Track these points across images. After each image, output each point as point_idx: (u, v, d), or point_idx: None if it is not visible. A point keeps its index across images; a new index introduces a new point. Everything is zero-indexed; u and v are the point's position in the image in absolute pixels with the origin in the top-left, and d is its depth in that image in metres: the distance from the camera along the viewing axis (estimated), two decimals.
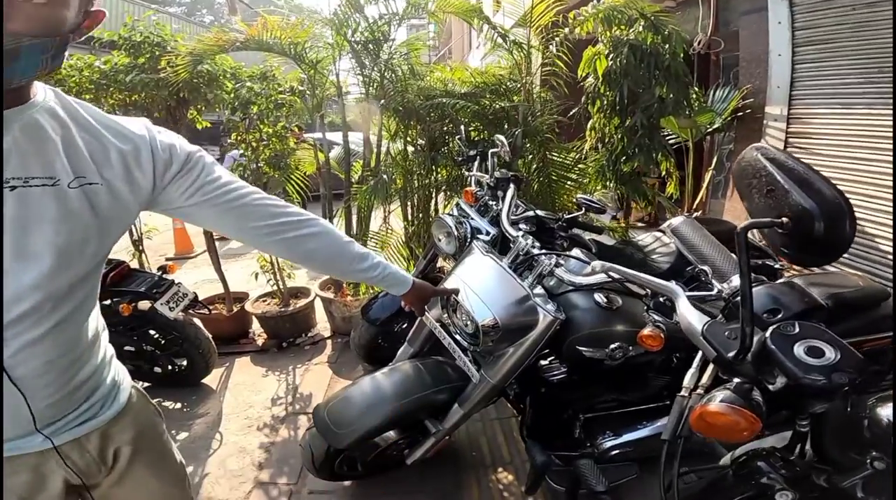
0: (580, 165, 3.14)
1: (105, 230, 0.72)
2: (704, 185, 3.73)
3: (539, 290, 1.38)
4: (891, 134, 2.43)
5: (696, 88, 3.47)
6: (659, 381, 1.51)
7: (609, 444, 1.45)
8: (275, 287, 2.95)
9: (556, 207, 3.00)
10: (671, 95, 2.90)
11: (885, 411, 0.59)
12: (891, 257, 2.47)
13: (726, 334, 0.63)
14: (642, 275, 0.95)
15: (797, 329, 0.60)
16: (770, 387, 0.58)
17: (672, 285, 0.86)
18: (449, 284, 1.44)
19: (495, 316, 1.29)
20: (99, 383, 0.82)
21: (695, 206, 3.52)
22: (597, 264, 0.99)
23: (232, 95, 2.64)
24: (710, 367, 0.69)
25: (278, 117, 2.70)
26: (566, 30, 2.90)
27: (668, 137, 3.77)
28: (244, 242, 1.02)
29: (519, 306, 1.32)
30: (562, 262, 1.40)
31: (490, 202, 2.07)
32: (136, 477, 0.89)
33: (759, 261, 2.29)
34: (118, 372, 0.89)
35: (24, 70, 0.59)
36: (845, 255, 0.71)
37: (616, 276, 1.13)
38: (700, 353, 0.72)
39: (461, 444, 2.02)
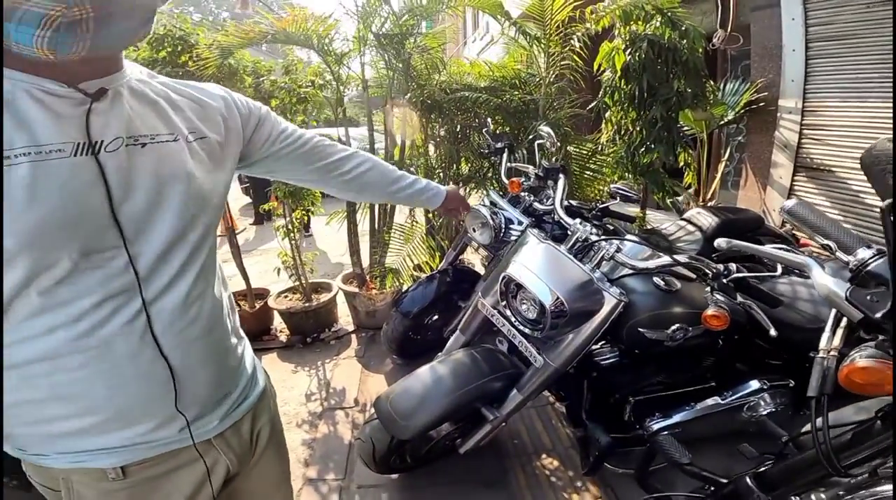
0: (598, 157, 3.22)
1: (219, 182, 0.77)
2: (718, 175, 3.86)
3: (598, 274, 1.45)
4: None
5: (712, 82, 3.58)
6: (706, 363, 1.60)
7: (659, 426, 1.52)
8: (296, 282, 2.98)
9: (578, 198, 3.08)
10: (689, 89, 2.98)
11: None
12: None
13: (868, 297, 0.72)
14: (772, 250, 1.05)
15: None
16: None
17: (805, 258, 0.95)
18: (510, 270, 1.50)
19: (563, 298, 1.35)
20: (242, 364, 0.85)
21: (709, 196, 3.64)
22: (721, 241, 1.09)
23: (252, 89, 2.66)
24: (841, 330, 0.78)
25: (298, 111, 2.74)
26: (586, 25, 2.97)
27: (683, 129, 3.89)
28: (310, 184, 1.12)
29: (584, 290, 1.39)
30: (621, 247, 1.47)
31: (524, 194, 2.13)
32: (265, 461, 0.92)
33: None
34: (252, 354, 0.92)
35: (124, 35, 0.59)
36: None
37: (667, 262, 1.21)
38: (833, 316, 0.81)
39: (503, 436, 2.07)
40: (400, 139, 2.90)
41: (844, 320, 0.80)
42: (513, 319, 1.53)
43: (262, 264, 3.20)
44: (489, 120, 2.66)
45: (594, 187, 3.14)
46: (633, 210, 3.08)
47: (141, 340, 0.65)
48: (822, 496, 0.83)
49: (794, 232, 3.02)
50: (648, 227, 3.03)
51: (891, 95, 2.76)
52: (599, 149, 3.33)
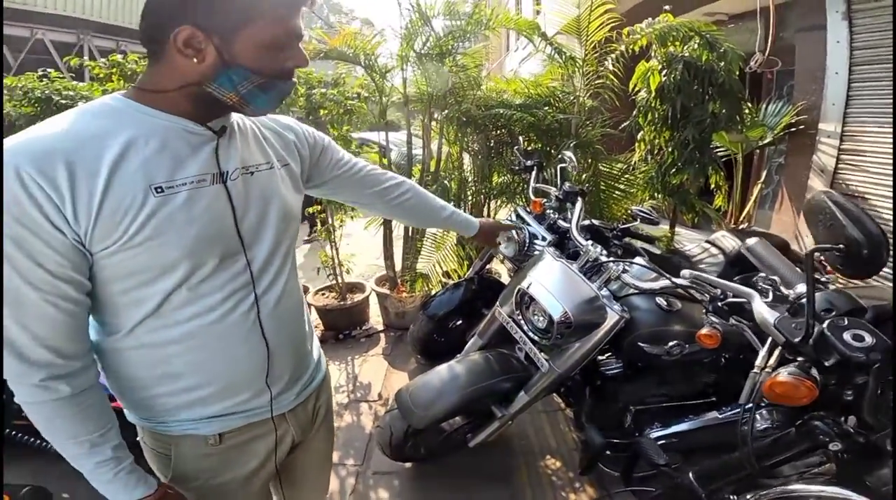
0: (628, 176, 3.32)
1: (298, 200, 0.96)
2: (753, 198, 3.88)
3: (605, 292, 1.61)
4: None
5: (749, 104, 3.62)
6: (706, 378, 1.72)
7: (656, 434, 1.65)
8: (333, 282, 3.24)
9: (605, 217, 3.20)
10: (724, 111, 3.05)
11: None
12: None
13: (793, 325, 0.89)
14: (723, 281, 1.22)
15: (846, 322, 0.85)
16: (826, 363, 0.83)
17: (748, 289, 1.11)
18: (525, 284, 1.68)
19: (569, 312, 1.52)
20: (313, 350, 1.05)
21: (741, 218, 3.68)
22: (686, 272, 1.25)
23: (304, 100, 2.94)
24: (777, 351, 0.94)
25: (344, 121, 3.01)
26: (622, 46, 3.10)
27: (717, 151, 3.94)
28: (363, 207, 1.32)
29: (589, 305, 1.55)
30: (628, 268, 1.62)
31: (548, 211, 2.30)
32: (318, 438, 1.12)
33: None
34: (317, 341, 1.13)
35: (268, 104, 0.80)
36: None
37: (699, 283, 1.36)
38: (769, 340, 0.98)
39: (511, 435, 2.23)
40: (436, 152, 3.12)
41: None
42: (525, 327, 1.71)
43: (309, 263, 3.48)
44: (521, 138, 2.83)
45: (621, 206, 3.25)
46: (656, 230, 3.18)
47: (253, 325, 0.83)
48: (748, 496, 0.98)
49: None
50: (674, 246, 3.12)
51: None
52: (630, 168, 3.45)
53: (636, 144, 3.45)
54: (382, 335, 3.22)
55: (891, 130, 2.92)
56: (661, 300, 1.59)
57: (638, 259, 1.74)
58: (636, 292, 1.60)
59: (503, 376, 1.75)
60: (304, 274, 3.39)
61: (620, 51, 3.15)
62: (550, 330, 1.57)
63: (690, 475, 1.21)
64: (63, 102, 2.94)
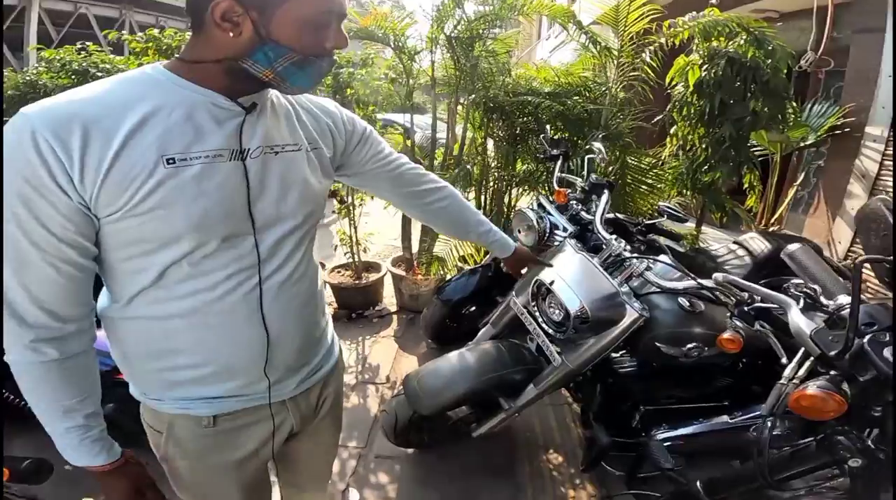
0: (656, 171, 3.21)
1: (326, 186, 0.92)
2: (787, 200, 3.72)
3: (625, 288, 1.54)
4: None
5: (793, 103, 3.45)
6: (720, 382, 1.65)
7: (663, 436, 1.59)
8: (350, 260, 3.23)
9: (630, 211, 3.11)
10: (766, 110, 2.90)
11: None
12: None
13: (830, 338, 0.82)
14: (758, 287, 1.14)
15: (887, 338, 0.78)
16: (861, 378, 0.76)
17: (785, 297, 1.04)
18: (543, 274, 1.62)
19: (587, 307, 1.46)
20: (324, 338, 1.01)
21: (773, 219, 3.53)
22: (718, 275, 1.18)
23: (332, 78, 2.90)
24: (808, 363, 0.87)
25: (370, 101, 2.97)
26: (661, 39, 2.97)
27: (754, 150, 3.77)
28: (394, 204, 1.25)
29: (608, 301, 1.49)
30: (652, 266, 1.55)
31: (571, 202, 2.22)
32: (323, 427, 1.08)
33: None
34: (332, 329, 1.08)
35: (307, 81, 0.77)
36: None
37: (728, 286, 1.29)
38: (801, 351, 0.91)
39: (516, 427, 2.19)
40: (460, 136, 3.06)
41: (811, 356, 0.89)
42: (539, 319, 1.66)
43: (328, 239, 3.47)
44: (548, 126, 2.75)
45: (647, 201, 3.15)
46: (684, 227, 3.07)
47: (254, 309, 0.80)
48: None
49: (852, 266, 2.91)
50: (699, 245, 3.00)
51: None
52: (660, 163, 3.33)
53: (668, 139, 3.33)
54: (395, 317, 3.20)
55: None
56: (683, 301, 1.52)
57: (663, 257, 1.67)
58: (658, 290, 1.53)
59: (514, 368, 1.70)
60: (321, 251, 3.38)
61: (660, 43, 3.02)
62: (566, 324, 1.52)
63: (698, 483, 1.16)
64: (99, 74, 2.97)
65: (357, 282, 3.15)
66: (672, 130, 3.26)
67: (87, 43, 3.24)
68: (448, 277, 2.89)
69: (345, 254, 3.22)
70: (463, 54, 2.83)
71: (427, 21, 2.78)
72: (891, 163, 2.96)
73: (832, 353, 0.82)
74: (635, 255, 1.57)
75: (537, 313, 1.66)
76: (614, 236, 1.65)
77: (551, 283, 1.57)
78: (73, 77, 2.99)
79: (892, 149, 2.75)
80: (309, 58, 0.72)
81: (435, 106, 3.08)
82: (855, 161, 3.09)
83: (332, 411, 1.09)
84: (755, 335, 1.35)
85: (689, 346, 1.45)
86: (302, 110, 0.89)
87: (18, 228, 0.65)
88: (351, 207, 3.08)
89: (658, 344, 1.48)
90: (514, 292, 1.84)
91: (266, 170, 0.79)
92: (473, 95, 2.85)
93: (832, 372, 0.81)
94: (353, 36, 2.86)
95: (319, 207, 0.91)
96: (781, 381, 0.93)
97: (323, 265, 3.33)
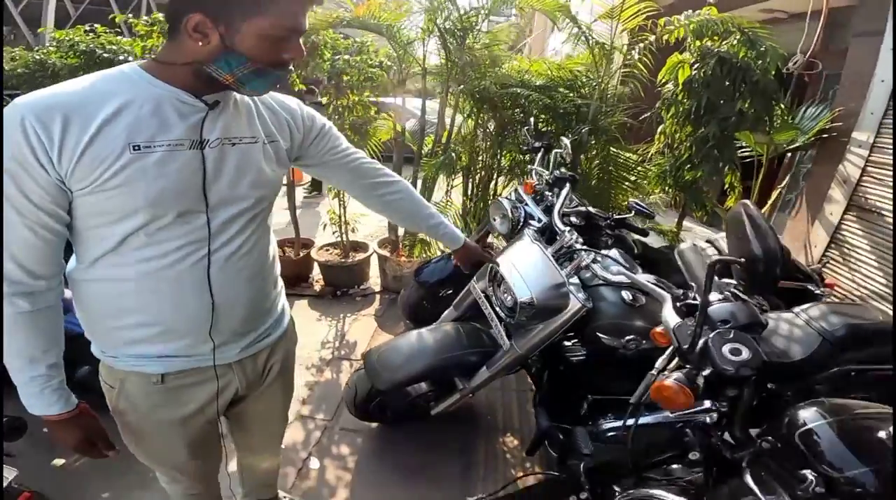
0: (640, 168, 3.25)
1: (281, 173, 1.02)
2: (770, 201, 3.73)
3: (575, 280, 1.61)
4: None
5: (783, 105, 3.44)
6: None
7: (608, 425, 1.67)
8: (339, 239, 3.32)
9: (611, 205, 3.16)
10: (752, 110, 2.91)
11: (804, 413, 0.83)
12: None
13: (688, 333, 0.89)
14: (641, 279, 1.22)
15: (731, 335, 0.85)
16: (703, 373, 0.84)
17: (663, 292, 1.12)
18: (498, 262, 1.70)
19: (533, 295, 1.54)
20: (275, 308, 1.11)
21: None
22: (615, 268, 1.24)
23: (329, 65, 2.96)
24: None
25: (365, 87, 3.03)
26: (652, 36, 2.98)
27: (742, 150, 3.78)
28: (351, 195, 1.34)
29: (555, 291, 1.57)
30: (599, 259, 1.63)
31: (546, 193, 2.29)
32: (272, 392, 1.20)
33: (802, 284, 2.42)
34: (285, 301, 1.19)
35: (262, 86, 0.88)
36: None
37: (623, 280, 1.37)
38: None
39: (481, 409, 2.28)
40: (449, 124, 3.11)
41: None
42: (495, 304, 1.75)
43: (319, 218, 3.55)
44: (531, 118, 2.79)
45: (625, 197, 3.20)
46: (664, 224, 3.12)
47: (201, 277, 0.90)
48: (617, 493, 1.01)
49: (821, 270, 2.94)
50: (687, 242, 3.01)
51: None
52: (646, 160, 3.36)
53: (656, 137, 3.35)
54: (378, 296, 3.30)
55: None
56: (627, 294, 1.59)
57: (612, 251, 1.74)
58: (605, 283, 1.60)
59: (470, 350, 1.79)
60: (310, 230, 3.47)
61: (650, 41, 3.03)
62: (515, 309, 1.60)
63: (581, 466, 1.24)
64: (105, 55, 3.04)
65: (343, 261, 3.25)
66: (660, 128, 3.28)
67: (96, 25, 3.31)
68: (431, 259, 2.97)
69: (333, 233, 3.31)
70: (455, 46, 2.87)
71: (420, 13, 2.82)
72: (873, 169, 2.96)
73: (685, 347, 0.90)
74: (584, 247, 1.64)
75: (493, 299, 1.75)
76: (568, 229, 1.72)
77: (504, 270, 1.65)
78: (80, 57, 3.07)
79: (892, 149, 2.74)
80: (266, 67, 0.82)
81: (425, 95, 3.13)
82: (839, 166, 3.09)
83: (279, 377, 1.20)
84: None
85: (628, 338, 1.52)
86: (263, 107, 0.98)
87: (6, 197, 0.77)
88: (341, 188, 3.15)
89: (599, 334, 1.56)
90: (475, 278, 1.93)
91: (223, 158, 0.89)
92: (462, 86, 2.90)
93: (688, 366, 0.88)
94: (345, 25, 2.92)
95: (272, 192, 1.02)
96: (652, 371, 1.01)
97: (312, 243, 3.45)
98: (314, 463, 1.93)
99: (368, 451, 2.02)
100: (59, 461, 1.79)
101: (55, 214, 0.80)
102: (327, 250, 3.40)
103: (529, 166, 2.38)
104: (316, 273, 3.44)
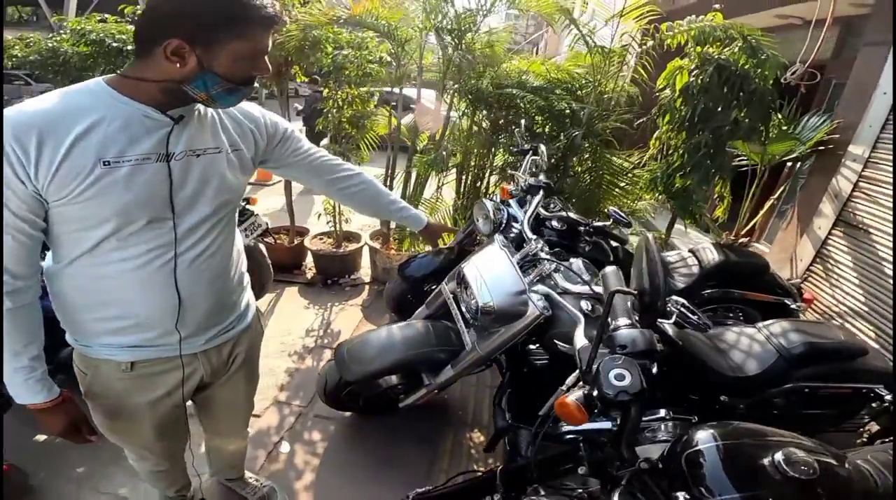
0: (630, 174, 3.24)
1: (244, 180, 1.11)
2: (762, 211, 3.72)
3: (541, 287, 1.65)
4: None
5: (780, 115, 3.39)
6: None
7: (564, 429, 1.73)
8: (332, 228, 3.39)
9: (599, 210, 3.17)
10: (747, 120, 2.88)
11: (701, 435, 0.88)
12: None
13: (589, 355, 0.95)
14: (559, 300, 1.36)
15: (621, 361, 0.89)
16: (594, 395, 0.89)
17: (577, 312, 1.18)
18: (465, 265, 1.75)
19: (494, 300, 1.59)
20: (238, 303, 1.21)
21: (744, 231, 3.52)
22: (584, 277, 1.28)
23: (329, 59, 2.99)
24: None
25: (363, 82, 3.07)
26: (650, 41, 2.95)
27: (739, 159, 3.74)
28: (319, 190, 1.46)
29: (515, 297, 1.61)
30: (561, 269, 1.67)
31: (530, 198, 2.32)
32: (235, 380, 1.29)
33: (781, 298, 2.44)
34: (250, 296, 1.29)
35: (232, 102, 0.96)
36: None
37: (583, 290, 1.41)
38: None
39: (454, 403, 2.34)
40: (442, 123, 3.14)
41: None
42: (462, 305, 1.80)
43: (315, 206, 3.61)
44: (523, 121, 2.80)
45: (614, 202, 3.21)
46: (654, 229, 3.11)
47: (168, 276, 0.99)
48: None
49: (801, 286, 2.94)
50: (674, 252, 3.00)
51: None
52: (639, 165, 3.35)
53: (651, 142, 3.34)
54: (367, 287, 3.36)
55: None
56: (585, 304, 1.63)
57: (576, 261, 1.78)
58: (566, 291, 1.65)
59: (438, 348, 1.84)
60: (303, 217, 3.53)
61: (649, 45, 3.00)
62: (478, 313, 1.66)
63: (497, 471, 1.30)
64: (115, 44, 3.11)
65: (335, 250, 3.31)
66: (655, 134, 3.27)
67: (106, 15, 3.38)
68: (418, 254, 3.02)
69: (327, 223, 3.38)
70: (452, 45, 2.88)
71: (418, 12, 2.83)
72: (865, 185, 2.93)
73: (584, 368, 0.95)
74: (548, 257, 1.68)
75: (461, 300, 1.80)
76: (535, 238, 1.76)
77: (470, 274, 1.70)
78: (90, 46, 3.14)
79: (892, 159, 2.70)
80: (237, 85, 0.91)
81: (419, 94, 3.15)
82: (832, 180, 3.06)
83: (243, 367, 1.29)
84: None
85: None
86: (227, 117, 1.06)
87: None
88: None
89: (556, 341, 1.61)
90: (446, 278, 1.98)
91: (188, 169, 0.96)
92: (456, 85, 2.92)
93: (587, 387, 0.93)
94: (342, 23, 2.94)
95: (235, 197, 1.10)
96: (562, 387, 1.07)
97: (307, 231, 3.51)
98: (285, 447, 2.01)
99: (339, 438, 2.09)
100: (41, 437, 1.89)
101: (30, 220, 0.87)
102: (321, 239, 3.47)
103: (510, 171, 2.40)
104: (309, 261, 3.51)
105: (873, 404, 1.73)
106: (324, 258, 3.33)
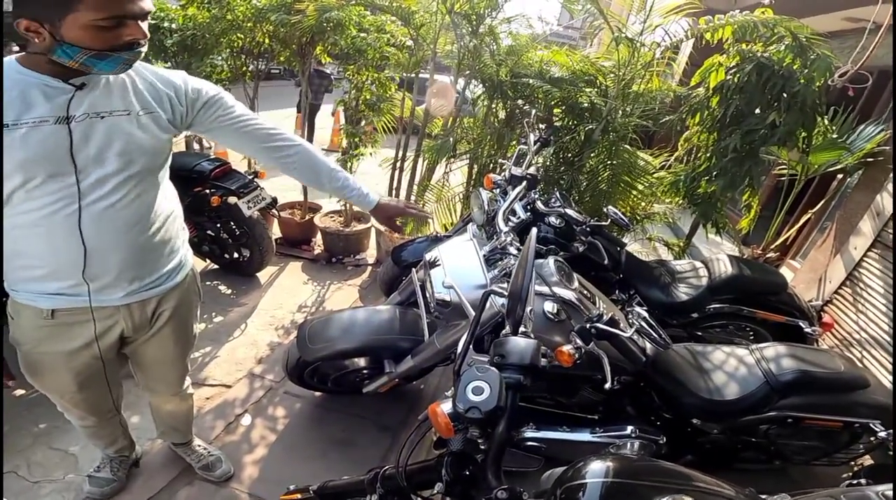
0: (649, 176, 2.96)
1: (164, 139, 1.10)
2: (797, 225, 3.32)
3: (506, 284, 1.49)
4: None
5: (827, 122, 2.98)
6: (593, 396, 1.59)
7: (527, 434, 1.57)
8: (344, 207, 3.32)
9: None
10: (785, 125, 2.52)
11: (593, 467, 0.72)
12: None
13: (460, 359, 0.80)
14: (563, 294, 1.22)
15: (483, 372, 0.75)
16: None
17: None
18: (430, 253, 1.61)
19: (452, 292, 1.45)
20: (165, 262, 1.18)
21: (774, 245, 3.15)
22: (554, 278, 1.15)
23: (350, 42, 2.89)
24: None
25: (382, 66, 2.95)
26: (679, 35, 2.65)
27: (780, 167, 3.35)
28: (254, 158, 1.39)
29: (474, 292, 1.46)
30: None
31: (530, 192, 2.13)
32: (161, 337, 1.27)
33: (796, 321, 2.15)
34: (184, 256, 1.26)
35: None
36: None
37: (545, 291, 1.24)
38: None
39: (427, 393, 2.20)
40: (452, 109, 2.98)
41: None
42: (428, 294, 1.66)
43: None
44: (534, 111, 2.60)
45: (629, 203, 2.94)
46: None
47: (73, 227, 1.00)
48: None
49: (823, 309, 2.57)
50: (686, 261, 2.72)
51: None
52: (664, 167, 3.06)
53: (679, 143, 3.03)
54: (370, 268, 3.27)
55: None
56: (550, 307, 1.45)
57: (549, 260, 1.59)
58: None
59: (403, 336, 1.72)
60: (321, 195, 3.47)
61: (682, 39, 2.69)
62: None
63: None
64: (152, 21, 3.11)
65: (342, 229, 3.24)
66: (685, 135, 2.96)
67: None
68: (413, 239, 2.90)
69: (338, 201, 3.31)
70: (469, 32, 2.70)
71: None
72: None
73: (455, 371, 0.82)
74: (515, 253, 1.51)
75: (427, 289, 1.66)
76: (506, 230, 1.59)
77: (434, 262, 1.56)
78: None
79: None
80: (106, 52, 0.91)
81: (433, 79, 2.99)
82: (876, 196, 2.65)
83: (171, 324, 1.26)
84: (589, 353, 1.29)
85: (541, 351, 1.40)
86: (141, 82, 1.06)
87: None
88: (350, 159, 3.12)
89: None
90: (418, 266, 1.84)
91: (91, 129, 0.99)
92: (469, 72, 2.74)
93: None
94: (356, 4, 2.82)
95: (152, 155, 1.08)
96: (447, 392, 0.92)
97: (319, 207, 3.44)
98: (246, 420, 1.95)
99: (303, 417, 2.01)
100: (18, 392, 1.89)
101: None
102: (331, 217, 3.41)
103: (500, 160, 2.22)
104: (319, 238, 3.47)
105: (872, 439, 1.53)
106: (331, 236, 3.26)
